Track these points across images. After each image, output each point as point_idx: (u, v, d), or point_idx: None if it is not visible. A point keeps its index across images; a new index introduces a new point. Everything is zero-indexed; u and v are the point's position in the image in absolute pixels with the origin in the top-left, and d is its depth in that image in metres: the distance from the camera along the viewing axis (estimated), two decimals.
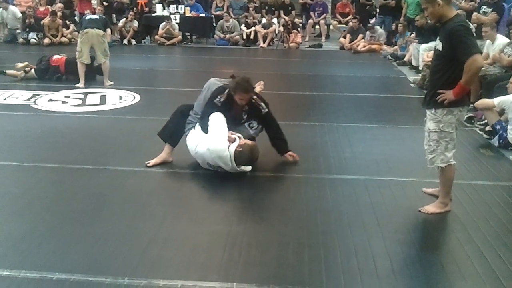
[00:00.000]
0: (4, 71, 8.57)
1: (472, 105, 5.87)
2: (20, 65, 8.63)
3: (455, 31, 3.54)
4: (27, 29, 13.18)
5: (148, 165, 4.70)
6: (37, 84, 8.27)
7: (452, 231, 3.75)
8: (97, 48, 8.14)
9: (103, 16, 9.21)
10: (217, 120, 4.51)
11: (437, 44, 3.73)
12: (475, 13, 8.70)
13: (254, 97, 4.68)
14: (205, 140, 4.46)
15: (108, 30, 8.69)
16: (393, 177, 4.56)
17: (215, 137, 4.42)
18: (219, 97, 4.64)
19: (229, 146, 4.38)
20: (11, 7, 13.22)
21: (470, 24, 4.21)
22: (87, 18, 8.45)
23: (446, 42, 3.58)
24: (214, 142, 4.39)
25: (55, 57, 8.62)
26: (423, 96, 4.01)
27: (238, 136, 4.50)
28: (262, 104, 4.73)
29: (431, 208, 3.90)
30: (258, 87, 5.17)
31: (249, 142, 4.53)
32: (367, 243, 3.46)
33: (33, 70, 8.59)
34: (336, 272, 3.12)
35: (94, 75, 8.49)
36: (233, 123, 4.65)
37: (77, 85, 8.04)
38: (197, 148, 4.50)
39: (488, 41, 7.45)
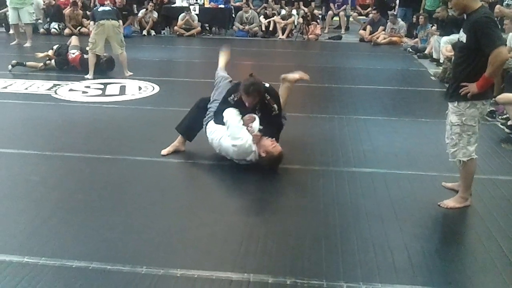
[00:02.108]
0: (24, 62, 8.65)
1: (493, 99, 5.79)
2: (40, 55, 8.72)
3: (480, 22, 3.48)
4: (48, 19, 13.31)
5: (163, 153, 4.74)
6: (58, 74, 8.35)
7: (471, 226, 3.72)
8: (113, 39, 8.15)
9: (115, 7, 9.24)
10: (232, 115, 4.49)
11: (461, 36, 3.67)
12: (498, 6, 8.55)
13: (268, 97, 4.60)
14: (227, 135, 4.46)
15: (120, 21, 8.66)
16: (413, 171, 4.52)
17: (235, 133, 4.40)
18: (233, 95, 4.62)
19: (252, 137, 4.39)
20: None
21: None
22: (99, 10, 8.44)
23: (471, 34, 3.52)
24: (236, 139, 4.39)
25: (70, 56, 8.57)
26: (444, 89, 3.97)
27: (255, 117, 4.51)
28: (275, 106, 4.63)
29: (451, 202, 3.86)
30: (295, 76, 5.21)
31: (276, 151, 4.42)
32: (384, 236, 3.43)
33: (53, 61, 8.66)
34: (354, 264, 3.10)
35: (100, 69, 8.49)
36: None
37: (86, 76, 8.03)
38: (221, 141, 4.50)
39: (511, 34, 7.33)
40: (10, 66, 8.43)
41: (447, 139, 3.82)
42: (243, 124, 4.45)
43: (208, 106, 4.81)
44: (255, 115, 4.52)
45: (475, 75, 3.55)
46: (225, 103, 4.61)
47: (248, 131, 4.43)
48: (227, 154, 4.51)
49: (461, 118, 3.65)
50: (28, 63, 8.64)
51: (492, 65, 3.44)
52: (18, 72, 8.37)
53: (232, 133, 4.41)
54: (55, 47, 8.87)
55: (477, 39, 3.48)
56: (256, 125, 4.44)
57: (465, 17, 3.74)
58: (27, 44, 11.23)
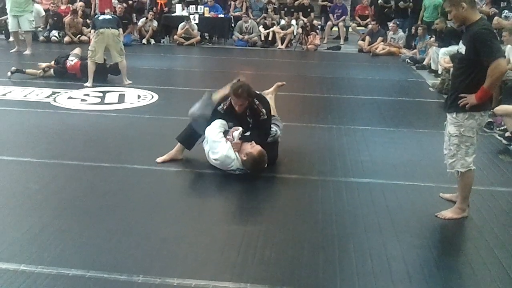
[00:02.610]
0: (24, 69, 8.66)
1: (491, 110, 5.80)
2: (43, 65, 8.73)
3: (479, 34, 3.51)
4: (48, 27, 13.35)
5: (158, 161, 4.75)
6: (57, 81, 8.35)
7: (468, 237, 3.72)
8: (113, 48, 8.17)
9: (115, 16, 9.28)
10: (212, 130, 4.56)
11: (460, 47, 3.70)
12: (496, 17, 8.61)
13: (257, 102, 4.63)
14: (209, 150, 4.55)
15: (120, 30, 8.68)
16: (410, 182, 4.52)
17: (214, 147, 4.49)
18: (222, 104, 4.68)
19: (231, 146, 4.46)
20: (36, 5, 13.37)
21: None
22: (100, 18, 8.49)
23: (470, 46, 3.55)
24: (215, 153, 4.48)
25: (69, 63, 8.57)
26: (442, 100, 3.99)
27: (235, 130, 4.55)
28: (263, 110, 4.64)
29: (448, 213, 3.86)
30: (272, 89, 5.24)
31: (255, 151, 4.44)
32: (382, 246, 3.43)
33: (52, 70, 8.68)
34: (351, 275, 3.10)
35: (106, 75, 8.54)
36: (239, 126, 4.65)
37: (85, 85, 8.04)
38: (208, 155, 4.59)
39: (509, 46, 7.36)
40: (9, 73, 8.45)
41: (445, 150, 3.84)
42: (225, 136, 4.52)
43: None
44: (239, 128, 4.55)
45: (474, 86, 3.56)
46: (215, 114, 4.65)
47: (228, 139, 4.48)
48: (216, 166, 4.56)
49: (459, 129, 3.66)
50: (28, 70, 8.65)
51: (491, 77, 3.46)
52: (17, 79, 8.38)
53: (211, 148, 4.51)
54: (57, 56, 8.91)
55: (476, 50, 3.50)
56: (236, 133, 4.49)
57: (464, 29, 3.77)
58: (27, 52, 11.21)
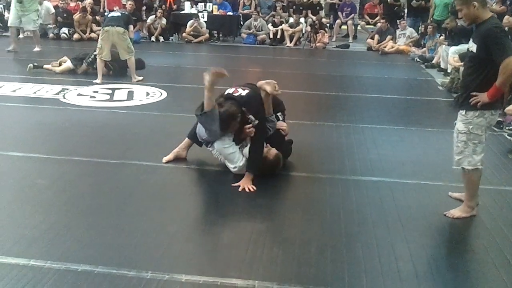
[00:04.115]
0: (42, 65, 8.78)
1: (502, 110, 5.77)
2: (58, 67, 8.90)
3: (490, 32, 3.51)
4: (58, 24, 13.41)
5: (164, 161, 4.74)
6: (66, 78, 8.39)
7: (477, 237, 3.70)
8: (119, 46, 8.19)
9: (126, 13, 9.22)
10: (221, 147, 4.50)
11: (471, 46, 3.69)
12: (507, 16, 8.55)
13: (244, 109, 4.42)
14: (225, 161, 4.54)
15: (131, 27, 8.66)
16: (419, 180, 4.51)
17: (231, 161, 4.47)
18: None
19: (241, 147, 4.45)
20: (46, 3, 13.44)
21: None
22: (109, 15, 8.56)
23: (481, 44, 3.55)
24: (234, 163, 4.47)
25: None
26: (451, 99, 3.97)
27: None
28: (251, 117, 4.42)
29: (457, 212, 3.84)
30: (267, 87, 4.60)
31: (270, 155, 4.46)
32: (390, 245, 3.43)
33: (69, 61, 8.83)
34: (359, 273, 3.10)
35: (125, 70, 8.60)
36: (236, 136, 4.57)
37: (94, 81, 8.09)
38: (226, 163, 4.57)
39: None
40: (30, 66, 8.64)
41: (455, 147, 3.82)
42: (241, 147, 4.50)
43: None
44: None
45: (485, 85, 3.56)
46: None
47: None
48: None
49: (467, 126, 3.66)
50: (45, 66, 8.82)
51: (502, 74, 3.46)
52: (27, 76, 8.43)
53: (228, 160, 4.49)
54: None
55: (487, 49, 3.50)
56: (246, 151, 4.45)
57: (474, 27, 3.76)
58: (37, 49, 11.16)
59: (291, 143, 4.90)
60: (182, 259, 3.19)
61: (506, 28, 7.64)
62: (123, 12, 9.29)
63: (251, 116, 4.45)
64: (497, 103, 3.72)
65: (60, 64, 8.88)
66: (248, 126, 4.43)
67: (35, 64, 8.81)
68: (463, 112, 3.69)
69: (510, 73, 3.47)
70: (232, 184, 4.32)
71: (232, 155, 4.45)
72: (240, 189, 4.24)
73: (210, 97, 4.30)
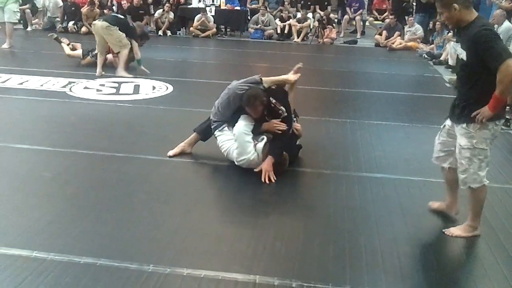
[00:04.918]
0: (61, 40, 9.31)
1: (508, 106, 5.71)
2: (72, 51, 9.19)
3: (479, 36, 3.15)
4: (66, 18, 13.46)
5: (169, 155, 4.74)
6: (73, 72, 8.41)
7: (481, 235, 3.66)
8: (108, 40, 8.17)
9: (122, 16, 9.23)
10: (240, 131, 4.44)
11: (460, 53, 3.36)
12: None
13: (274, 101, 4.53)
14: (235, 149, 4.48)
15: (135, 44, 8.32)
16: (424, 178, 4.49)
17: (243, 150, 4.42)
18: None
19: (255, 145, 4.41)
20: None
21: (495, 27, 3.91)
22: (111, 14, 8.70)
23: (471, 50, 3.22)
24: (243, 155, 4.42)
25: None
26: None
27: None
28: (282, 108, 4.53)
29: (457, 231, 3.55)
30: (292, 78, 4.92)
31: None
32: (393, 242, 3.41)
33: (80, 50, 9.09)
34: (360, 270, 3.09)
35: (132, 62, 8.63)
36: (256, 127, 4.55)
37: (96, 75, 8.12)
38: (229, 153, 4.54)
39: None
40: (53, 35, 9.39)
41: (439, 153, 3.67)
42: (259, 140, 4.44)
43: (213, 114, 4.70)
44: (263, 138, 4.46)
45: (486, 94, 3.20)
46: (240, 110, 4.58)
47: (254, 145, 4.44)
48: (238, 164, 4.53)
49: (471, 141, 3.30)
50: (72, 53, 9.15)
51: (501, 82, 3.10)
52: (34, 68, 8.47)
53: (240, 147, 4.43)
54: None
55: (478, 54, 3.17)
56: (260, 145, 4.40)
57: (459, 30, 3.46)
58: (5, 46, 10.46)
59: (299, 148, 4.88)
60: (184, 253, 3.19)
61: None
62: (123, 17, 9.12)
63: (282, 108, 4.51)
64: (500, 113, 3.34)
65: (73, 48, 9.07)
66: (275, 121, 4.44)
67: (57, 36, 9.29)
68: (463, 125, 3.32)
69: (508, 81, 3.09)
70: (255, 170, 4.35)
71: (247, 144, 4.40)
72: (263, 175, 4.27)
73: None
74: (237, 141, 4.45)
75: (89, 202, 3.87)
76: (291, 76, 4.92)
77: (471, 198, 3.49)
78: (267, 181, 4.28)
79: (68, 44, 9.26)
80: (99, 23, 8.16)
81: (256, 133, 4.51)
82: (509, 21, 8.24)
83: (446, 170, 3.69)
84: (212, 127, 4.65)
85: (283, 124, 4.46)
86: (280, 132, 4.45)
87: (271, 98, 4.53)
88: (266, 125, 4.50)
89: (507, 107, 3.73)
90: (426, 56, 11.20)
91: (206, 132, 4.80)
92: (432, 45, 11.69)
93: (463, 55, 3.32)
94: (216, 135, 4.63)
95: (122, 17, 9.01)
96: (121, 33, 8.15)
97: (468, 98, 3.33)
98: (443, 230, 3.59)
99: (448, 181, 3.76)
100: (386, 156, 5.04)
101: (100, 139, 5.26)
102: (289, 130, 4.55)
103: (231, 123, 4.56)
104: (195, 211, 3.81)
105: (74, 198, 3.92)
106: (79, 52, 9.03)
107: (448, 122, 3.57)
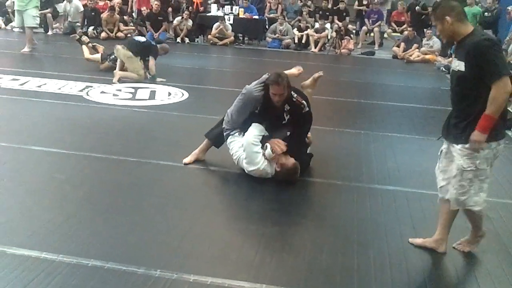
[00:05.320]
0: (84, 42, 9.39)
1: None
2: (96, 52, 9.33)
3: (480, 45, 2.98)
4: (86, 23, 13.62)
5: (185, 162, 4.75)
6: (91, 76, 8.50)
7: (492, 250, 3.61)
8: (127, 65, 8.43)
9: (151, 43, 8.87)
10: (249, 141, 4.44)
11: (456, 65, 3.16)
12: None
13: (295, 95, 4.55)
14: (244, 159, 4.49)
15: (151, 60, 8.43)
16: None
17: (252, 160, 4.43)
18: (257, 107, 4.59)
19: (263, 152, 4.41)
20: (75, 1, 13.67)
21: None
22: (133, 37, 8.81)
23: (470, 61, 3.01)
24: (252, 165, 4.43)
25: None
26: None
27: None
28: (304, 102, 4.55)
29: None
30: (295, 71, 5.35)
31: (289, 163, 4.41)
32: (402, 255, 3.39)
33: (100, 54, 9.18)
34: (368, 282, 3.07)
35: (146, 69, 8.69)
36: (274, 125, 4.58)
37: (113, 81, 8.15)
38: (239, 161, 4.56)
39: None
40: (78, 36, 9.53)
41: (442, 181, 3.38)
42: (264, 148, 4.43)
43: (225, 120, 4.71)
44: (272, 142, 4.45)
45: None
46: (252, 115, 4.60)
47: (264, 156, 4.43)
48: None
49: (474, 162, 3.11)
50: (91, 57, 9.22)
51: (495, 100, 2.92)
52: (53, 72, 8.57)
53: (249, 158, 4.44)
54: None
55: (478, 66, 2.98)
56: (268, 151, 4.39)
57: (455, 44, 3.27)
58: (25, 50, 10.49)
59: (310, 157, 4.86)
60: (191, 259, 3.20)
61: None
62: (148, 41, 9.05)
63: (303, 101, 4.54)
64: (502, 130, 3.16)
65: (94, 49, 9.29)
66: (277, 140, 4.42)
67: (82, 38, 9.47)
68: (466, 145, 3.10)
69: (505, 97, 2.91)
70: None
71: (256, 154, 4.41)
72: (272, 145, 4.33)
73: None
74: (245, 151, 4.46)
75: (100, 205, 3.90)
76: (294, 70, 5.31)
77: (470, 217, 3.39)
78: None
79: (91, 44, 9.41)
80: (122, 51, 8.39)
81: (271, 129, 4.55)
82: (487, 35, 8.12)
83: (446, 203, 3.39)
84: (225, 134, 4.66)
85: (283, 143, 4.42)
86: (285, 145, 4.42)
87: (292, 92, 4.52)
88: (269, 142, 4.47)
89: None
90: (443, 69, 11.11)
91: (219, 139, 4.81)
92: (450, 59, 11.59)
93: (460, 66, 3.10)
94: (228, 142, 4.64)
95: (144, 40, 8.95)
96: (140, 63, 8.44)
97: (467, 116, 3.12)
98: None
99: (443, 214, 3.46)
100: (399, 168, 5.01)
101: (114, 143, 5.30)
102: (309, 128, 4.69)
103: (244, 129, 4.57)
104: (204, 217, 3.81)
105: (85, 201, 3.95)
106: (97, 56, 9.15)
107: (444, 146, 3.36)
